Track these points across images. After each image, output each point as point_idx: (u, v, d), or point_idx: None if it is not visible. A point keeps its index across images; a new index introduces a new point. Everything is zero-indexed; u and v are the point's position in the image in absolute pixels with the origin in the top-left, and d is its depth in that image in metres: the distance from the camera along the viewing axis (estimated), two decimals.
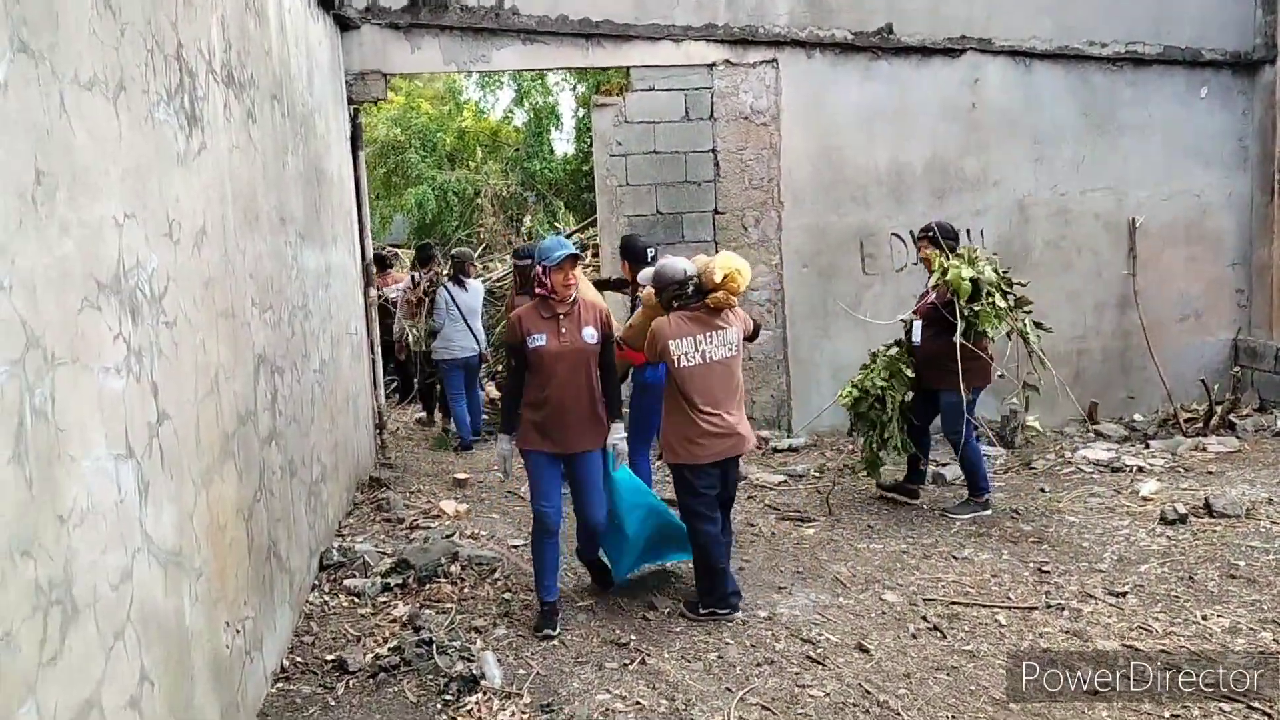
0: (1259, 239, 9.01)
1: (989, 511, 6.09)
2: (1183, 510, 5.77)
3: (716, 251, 7.83)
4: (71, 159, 2.34)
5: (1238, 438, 7.79)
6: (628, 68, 8.11)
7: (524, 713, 3.78)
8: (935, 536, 5.78)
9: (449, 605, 4.81)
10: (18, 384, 2.02)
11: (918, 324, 6.15)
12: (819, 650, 4.30)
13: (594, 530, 4.77)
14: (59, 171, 2.26)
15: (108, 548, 2.41)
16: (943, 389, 6.03)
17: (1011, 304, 5.97)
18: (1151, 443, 7.80)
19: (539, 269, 4.53)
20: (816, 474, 7.28)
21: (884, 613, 4.70)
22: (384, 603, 4.90)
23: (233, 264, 3.79)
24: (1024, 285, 6.20)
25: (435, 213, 15.54)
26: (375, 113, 15.43)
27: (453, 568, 5.20)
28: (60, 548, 2.16)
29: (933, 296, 6.05)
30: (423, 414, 9.81)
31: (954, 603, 4.77)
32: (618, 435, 4.67)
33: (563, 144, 17.11)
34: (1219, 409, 8.17)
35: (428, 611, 4.69)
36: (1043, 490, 6.66)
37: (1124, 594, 4.77)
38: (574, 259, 4.50)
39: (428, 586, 5.03)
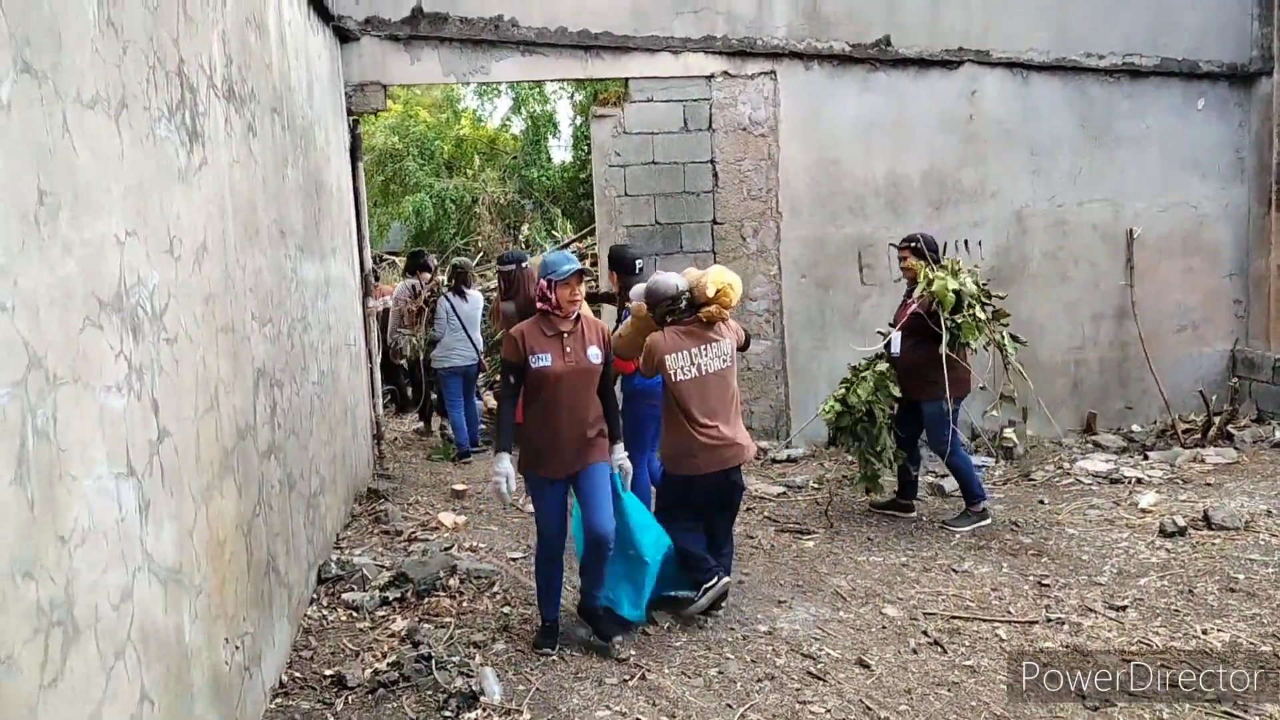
0: (1256, 250, 9.04)
1: (988, 520, 6.10)
2: (1181, 522, 5.78)
3: (715, 262, 7.91)
4: (74, 178, 2.33)
5: (1236, 449, 7.80)
6: (626, 79, 8.12)
7: None
8: (935, 549, 5.78)
9: (448, 619, 4.79)
10: (20, 405, 2.01)
11: (896, 335, 6.17)
12: (820, 665, 4.29)
13: (602, 541, 4.39)
14: (61, 191, 2.26)
15: (109, 567, 2.40)
16: (924, 399, 6.06)
17: (989, 316, 6.00)
18: (1150, 454, 7.81)
19: (543, 284, 4.39)
20: (815, 485, 7.28)
21: (884, 627, 4.69)
22: (382, 617, 4.88)
23: (233, 278, 3.78)
24: (1002, 298, 6.24)
25: (433, 220, 15.58)
26: (373, 121, 15.46)
27: (451, 581, 5.18)
28: (62, 568, 2.15)
29: (915, 306, 6.07)
30: (421, 424, 9.80)
31: (954, 617, 4.77)
32: (620, 455, 4.57)
33: (560, 151, 17.16)
34: (1217, 420, 8.19)
35: (426, 626, 4.67)
36: (1042, 502, 6.66)
37: (1124, 608, 4.77)
38: (581, 274, 4.39)
39: (426, 600, 5.01)
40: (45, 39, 2.22)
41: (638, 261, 5.83)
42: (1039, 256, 8.73)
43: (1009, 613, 4.80)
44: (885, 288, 8.42)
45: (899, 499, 6.51)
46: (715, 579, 4.73)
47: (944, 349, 5.79)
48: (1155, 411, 8.84)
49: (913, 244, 6.27)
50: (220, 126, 3.73)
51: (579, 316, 4.45)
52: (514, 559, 5.70)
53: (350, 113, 7.55)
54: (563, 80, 13.57)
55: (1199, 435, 8.17)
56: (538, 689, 4.12)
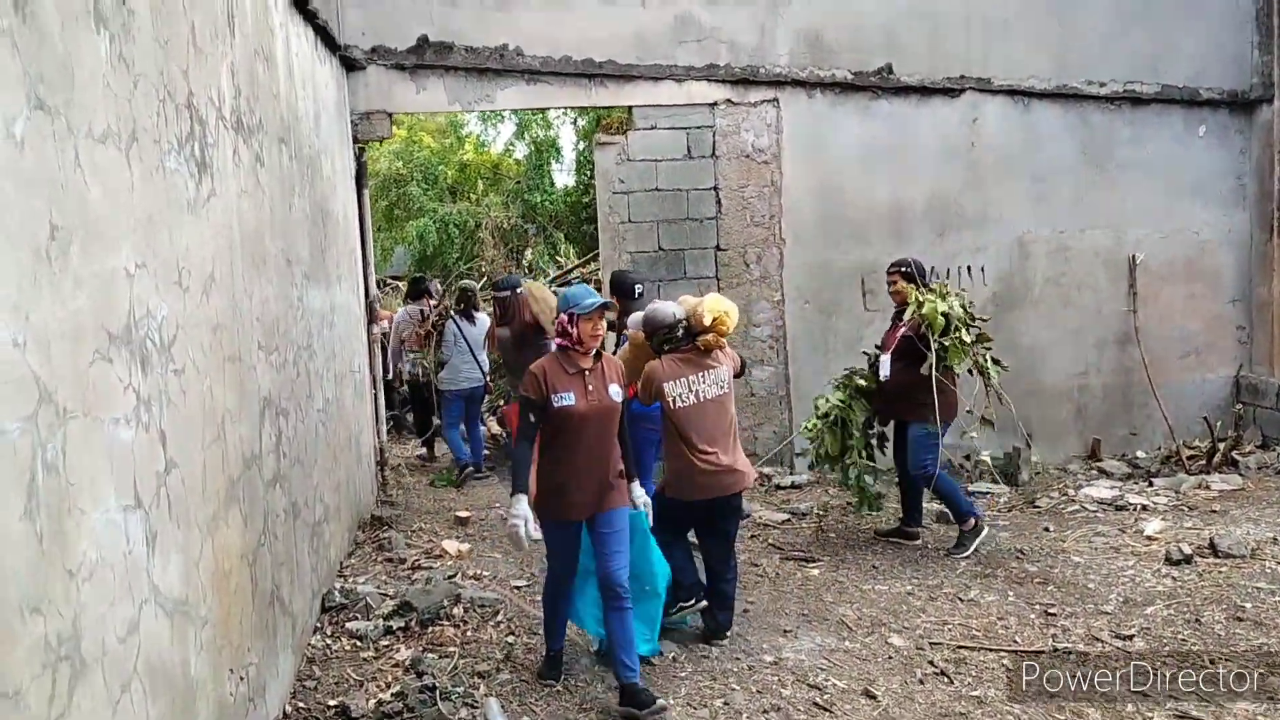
0: (1259, 276, 9.05)
1: (986, 532, 6.11)
2: (1187, 550, 5.75)
3: (719, 288, 7.93)
4: (85, 212, 2.35)
5: (1241, 475, 7.78)
6: (630, 107, 8.18)
7: None
8: (940, 577, 5.75)
9: (452, 649, 4.77)
10: (30, 439, 2.02)
11: (885, 358, 6.18)
12: (825, 696, 4.26)
13: (616, 588, 4.17)
14: (73, 225, 2.27)
15: (116, 600, 2.40)
16: (912, 421, 6.09)
17: (973, 339, 6.03)
18: (1155, 480, 7.79)
19: (563, 317, 4.16)
20: (820, 512, 7.25)
21: (890, 657, 4.67)
22: (386, 646, 4.86)
23: (240, 308, 3.80)
24: (985, 321, 6.28)
25: (436, 245, 15.61)
26: (378, 147, 15.51)
27: (455, 610, 5.16)
28: (70, 603, 2.15)
29: (905, 329, 6.09)
30: (424, 450, 9.80)
31: (961, 646, 4.74)
32: (639, 493, 4.43)
33: (563, 176, 17.22)
34: (1222, 446, 8.17)
35: (431, 655, 4.65)
36: (1047, 529, 6.63)
37: (1130, 637, 4.75)
38: (605, 308, 4.20)
39: (430, 629, 4.99)
40: (58, 76, 2.25)
41: (637, 286, 5.87)
42: (1042, 282, 8.74)
43: (1015, 642, 4.77)
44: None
45: (904, 526, 6.50)
46: (694, 601, 4.88)
47: (927, 370, 5.86)
48: (1160, 438, 8.82)
49: (903, 268, 6.34)
50: (229, 157, 3.76)
51: (599, 353, 4.27)
52: (518, 587, 5.68)
53: (356, 140, 7.60)
54: (567, 108, 13.68)
55: (1204, 462, 8.15)
56: None
